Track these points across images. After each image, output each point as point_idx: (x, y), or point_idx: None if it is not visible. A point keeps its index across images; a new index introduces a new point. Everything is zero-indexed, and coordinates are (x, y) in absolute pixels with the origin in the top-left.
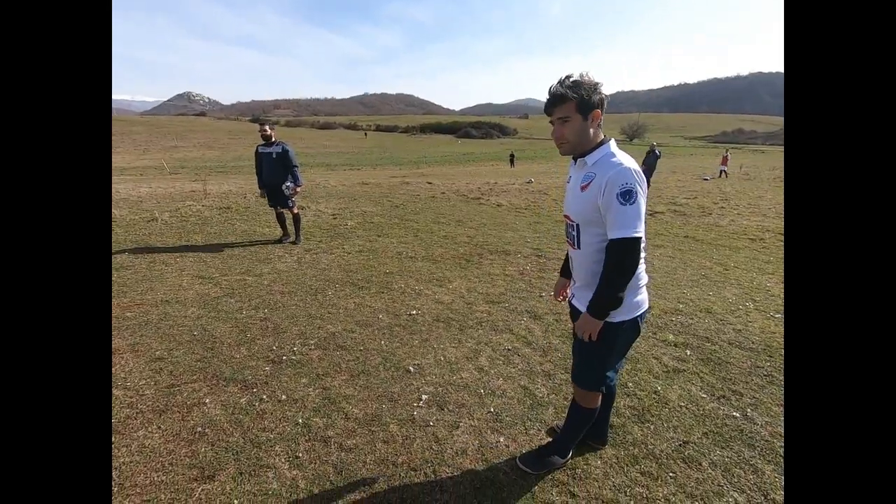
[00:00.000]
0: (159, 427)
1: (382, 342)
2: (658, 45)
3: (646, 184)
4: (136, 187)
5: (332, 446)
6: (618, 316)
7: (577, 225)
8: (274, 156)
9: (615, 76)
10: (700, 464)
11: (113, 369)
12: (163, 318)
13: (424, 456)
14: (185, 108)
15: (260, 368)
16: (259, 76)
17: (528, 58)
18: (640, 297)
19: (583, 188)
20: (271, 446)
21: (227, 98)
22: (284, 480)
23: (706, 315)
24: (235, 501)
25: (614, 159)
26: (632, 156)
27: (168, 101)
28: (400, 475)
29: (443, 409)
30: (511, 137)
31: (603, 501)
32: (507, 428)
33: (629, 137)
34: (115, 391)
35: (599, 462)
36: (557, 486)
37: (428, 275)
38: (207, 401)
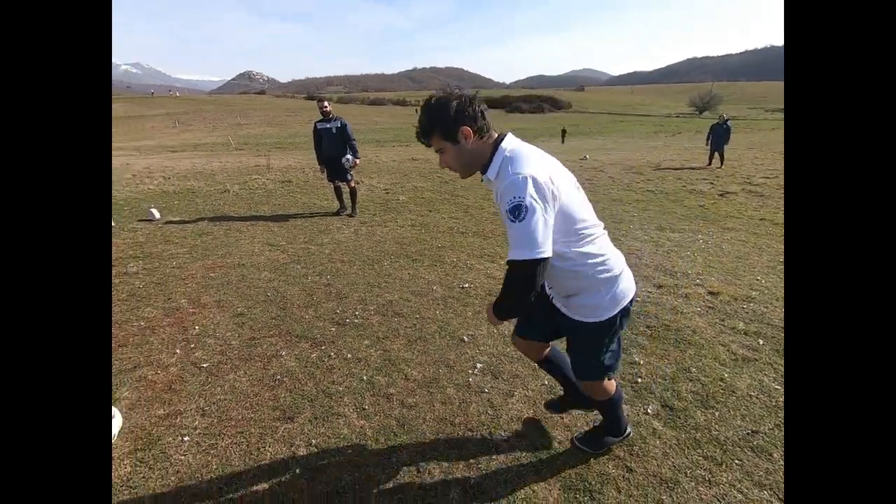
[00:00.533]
0: (245, 373)
1: (437, 312)
2: (740, 2)
3: (549, 188)
4: (210, 162)
5: (395, 403)
6: (604, 314)
7: None
8: (333, 131)
9: (688, 38)
10: (770, 455)
11: (203, 321)
12: (241, 280)
13: (481, 419)
14: (247, 86)
15: (326, 329)
16: (312, 53)
17: (587, 24)
18: (620, 288)
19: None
20: (340, 397)
21: (283, 76)
22: (353, 428)
23: (783, 304)
24: (313, 441)
25: (510, 168)
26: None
27: (232, 80)
28: (458, 434)
29: (497, 378)
30: (564, 111)
31: (661, 479)
32: None
33: (699, 110)
34: (207, 339)
35: (658, 442)
36: (614, 459)
37: (479, 250)
38: (283, 353)
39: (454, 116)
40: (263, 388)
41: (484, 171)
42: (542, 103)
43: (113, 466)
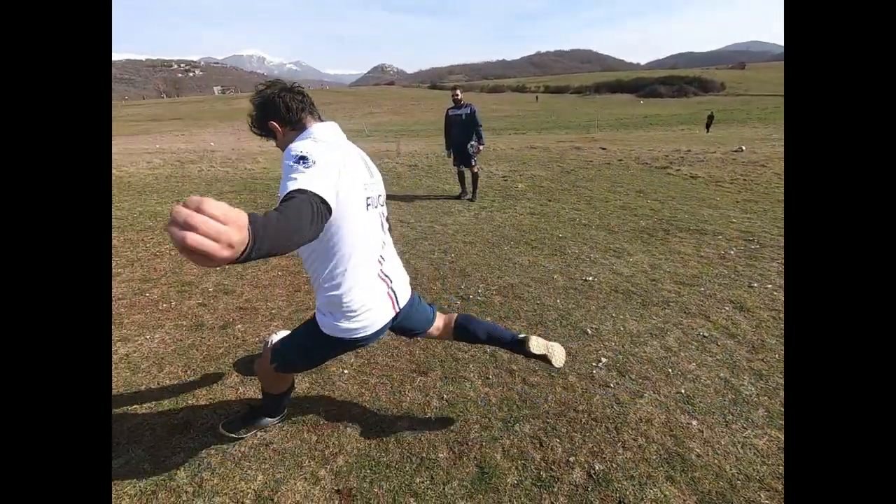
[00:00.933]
0: None
1: (558, 301)
2: None
3: (333, 165)
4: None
5: (517, 378)
6: (324, 326)
7: None
8: (463, 117)
9: None
10: None
11: None
12: None
13: (605, 412)
14: (379, 78)
15: (452, 301)
16: (437, 43)
17: None
18: (348, 325)
19: None
20: (466, 364)
21: (411, 67)
22: (478, 392)
23: None
24: (444, 395)
25: (298, 141)
26: None
27: (368, 73)
28: (581, 420)
29: (624, 376)
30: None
31: None
32: (702, 414)
33: None
34: None
35: None
36: (757, 480)
37: (604, 244)
38: None
39: (260, 114)
40: (401, 343)
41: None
42: (685, 85)
43: (297, 383)
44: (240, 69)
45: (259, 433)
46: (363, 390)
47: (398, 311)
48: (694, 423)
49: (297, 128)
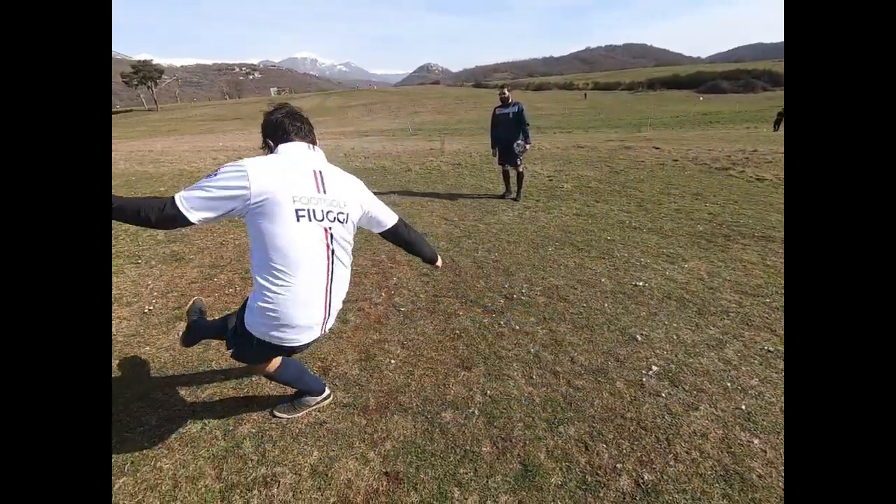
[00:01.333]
0: (431, 322)
1: (605, 304)
2: None
3: (249, 189)
4: (394, 145)
5: (561, 381)
6: (249, 323)
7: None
8: (510, 115)
9: None
10: None
11: (399, 275)
12: None
13: (656, 422)
14: (425, 77)
15: (496, 300)
16: (481, 41)
17: None
18: (273, 332)
19: None
20: (510, 362)
21: (455, 66)
22: (522, 391)
23: None
24: (488, 392)
25: (244, 159)
26: None
27: (413, 72)
28: (629, 428)
29: (676, 387)
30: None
31: None
32: (765, 433)
33: None
34: (402, 289)
35: None
36: None
37: (656, 248)
38: (460, 313)
39: (263, 131)
40: (445, 337)
41: None
42: (753, 80)
43: (345, 369)
44: (294, 71)
45: (315, 413)
46: (409, 380)
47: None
48: (756, 441)
49: (276, 144)
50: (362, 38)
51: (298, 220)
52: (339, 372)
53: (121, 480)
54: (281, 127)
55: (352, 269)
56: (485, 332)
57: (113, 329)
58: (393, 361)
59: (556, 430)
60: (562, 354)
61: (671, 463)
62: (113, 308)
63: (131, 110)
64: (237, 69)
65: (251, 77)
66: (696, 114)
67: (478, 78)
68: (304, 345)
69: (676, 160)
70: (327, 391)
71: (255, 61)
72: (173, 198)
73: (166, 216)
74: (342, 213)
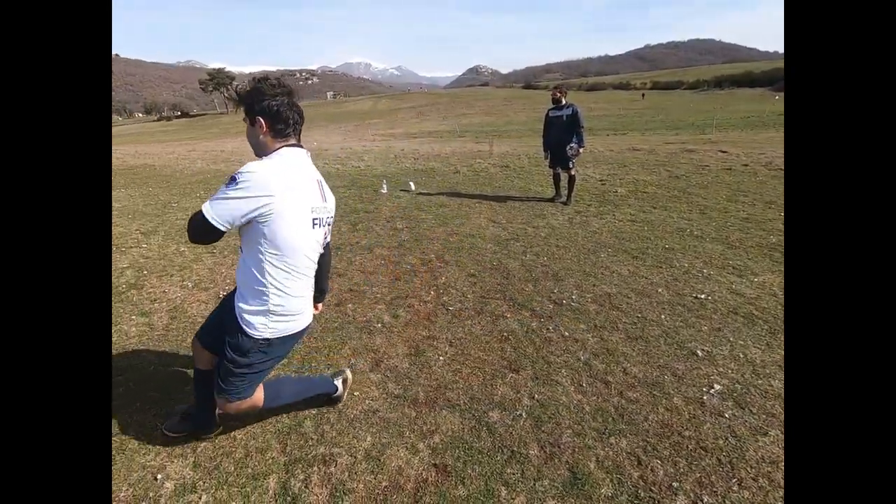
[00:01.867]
0: (479, 322)
1: (662, 316)
2: None
3: (265, 195)
4: (443, 147)
5: (613, 391)
6: (256, 332)
7: None
8: (564, 118)
9: None
10: None
11: (447, 274)
12: (472, 247)
13: (718, 443)
14: (474, 79)
15: (545, 304)
16: (532, 41)
17: None
18: (283, 324)
19: None
20: (559, 368)
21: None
22: (571, 398)
23: None
24: (535, 395)
25: (263, 160)
26: None
27: (462, 74)
28: (686, 446)
29: (743, 409)
30: None
31: None
32: None
33: None
34: (451, 289)
35: None
36: None
37: (720, 260)
38: (508, 316)
39: (258, 105)
40: (493, 338)
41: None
42: None
43: (395, 362)
44: (349, 75)
45: (368, 401)
46: (457, 378)
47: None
48: None
49: (277, 139)
50: (413, 41)
51: (313, 227)
52: (390, 364)
53: (202, 445)
54: (281, 118)
55: None
56: (532, 336)
57: (194, 311)
58: (441, 358)
59: (607, 441)
60: (613, 364)
61: (734, 488)
62: (192, 291)
63: (206, 114)
64: (297, 74)
65: (310, 82)
66: (771, 114)
67: (528, 79)
68: (303, 329)
69: (746, 164)
70: (217, 430)
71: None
72: (208, 219)
73: (206, 231)
74: (331, 218)
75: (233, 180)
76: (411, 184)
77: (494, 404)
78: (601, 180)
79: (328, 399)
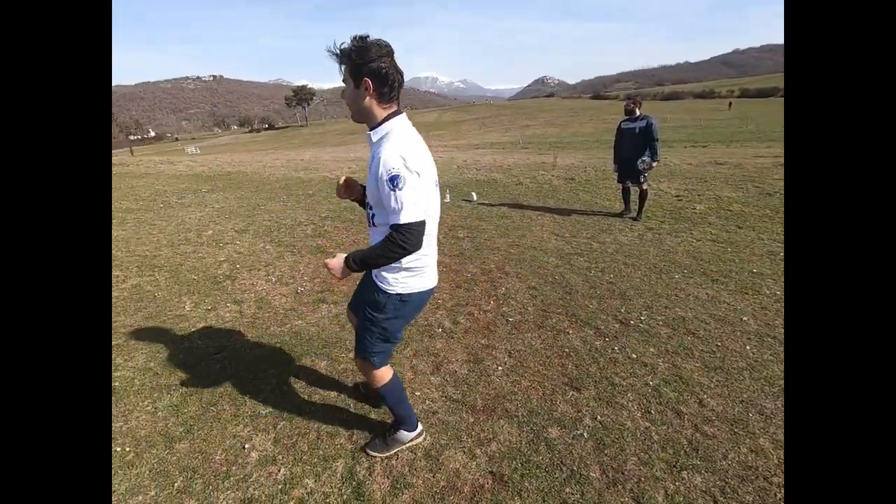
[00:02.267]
0: (539, 336)
1: (748, 347)
2: None
3: (424, 167)
4: (505, 158)
5: (686, 422)
6: (391, 286)
7: (371, 205)
8: (637, 130)
9: None
10: None
11: (507, 285)
12: (533, 259)
13: None
14: (539, 90)
15: (610, 323)
16: (602, 49)
17: None
18: (417, 280)
19: (370, 167)
20: (624, 391)
21: (572, 77)
22: (637, 425)
23: None
24: (598, 416)
25: (392, 141)
26: None
27: (527, 86)
28: (774, 494)
29: None
30: None
31: None
32: None
33: None
34: (511, 300)
35: None
36: None
37: None
38: (570, 332)
39: (366, 64)
40: (553, 354)
41: (370, 129)
42: None
43: (455, 367)
44: (416, 89)
45: (428, 402)
46: (516, 389)
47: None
48: None
49: (382, 104)
50: (479, 54)
51: (435, 188)
52: (449, 369)
53: (281, 423)
54: (388, 81)
55: None
56: (596, 356)
57: (276, 302)
58: (500, 368)
59: (679, 475)
60: (687, 394)
61: None
62: (276, 285)
63: (289, 126)
64: None
65: None
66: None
67: (597, 89)
68: (431, 289)
69: None
70: (420, 428)
71: None
72: (403, 225)
73: (418, 240)
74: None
75: (395, 179)
76: (473, 194)
77: (554, 420)
78: (677, 196)
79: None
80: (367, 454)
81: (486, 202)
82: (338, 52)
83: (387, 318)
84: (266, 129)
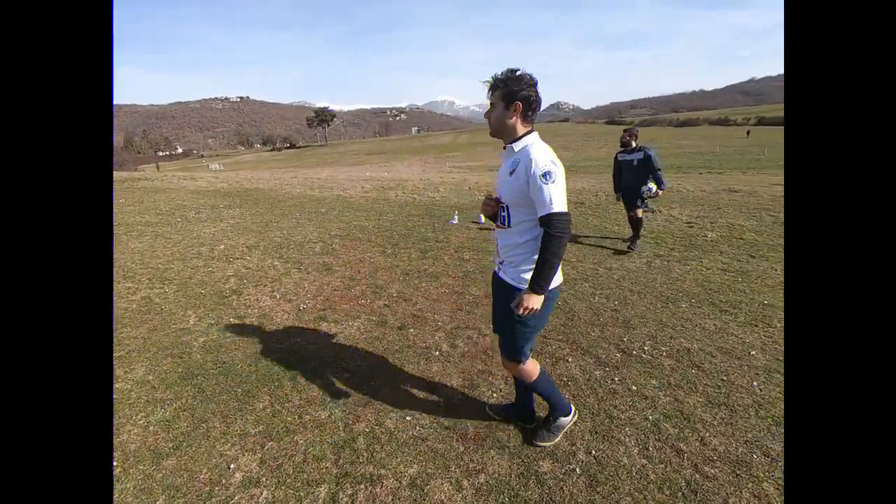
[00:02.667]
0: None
1: (755, 383)
2: None
3: (560, 168)
4: None
5: (686, 461)
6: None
7: (507, 206)
8: (635, 163)
9: None
10: None
11: None
12: None
13: None
14: (554, 115)
15: (611, 353)
16: (618, 75)
17: None
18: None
19: (510, 173)
20: (622, 425)
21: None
22: (633, 462)
23: None
24: (592, 451)
25: (534, 149)
26: None
27: (543, 111)
28: None
29: None
30: None
31: None
32: None
33: None
34: None
35: None
36: None
37: None
38: (569, 360)
39: (520, 91)
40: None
41: (509, 143)
42: None
43: (449, 393)
44: (433, 112)
45: (418, 428)
46: (509, 420)
47: None
48: None
49: (525, 123)
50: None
51: None
52: (443, 394)
53: (269, 444)
54: (533, 106)
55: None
56: (595, 386)
57: (278, 319)
58: (495, 395)
59: None
60: (689, 431)
61: None
62: (279, 302)
63: (308, 146)
64: (388, 112)
65: (398, 118)
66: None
67: (612, 115)
68: (559, 284)
69: None
70: (573, 410)
71: (403, 105)
72: (557, 214)
73: (568, 227)
74: None
75: (548, 174)
76: (481, 217)
77: (546, 453)
78: (688, 222)
79: (552, 415)
80: (536, 445)
81: (490, 227)
82: (494, 80)
83: (534, 316)
84: (287, 148)
